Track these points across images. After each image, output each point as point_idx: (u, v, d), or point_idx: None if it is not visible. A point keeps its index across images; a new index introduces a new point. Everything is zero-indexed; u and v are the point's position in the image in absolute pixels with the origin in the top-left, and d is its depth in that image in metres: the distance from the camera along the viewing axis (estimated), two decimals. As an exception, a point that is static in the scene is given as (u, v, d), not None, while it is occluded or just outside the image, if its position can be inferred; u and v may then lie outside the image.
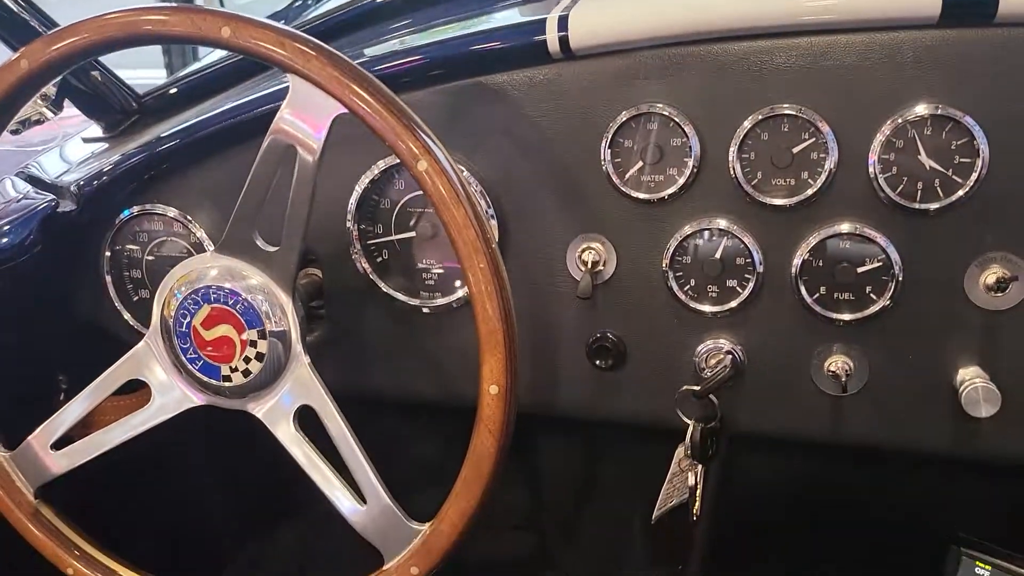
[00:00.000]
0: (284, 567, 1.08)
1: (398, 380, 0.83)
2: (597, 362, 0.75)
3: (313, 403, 0.69)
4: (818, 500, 1.01)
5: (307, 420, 0.70)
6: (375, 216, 0.79)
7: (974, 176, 0.63)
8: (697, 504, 0.74)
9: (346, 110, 0.60)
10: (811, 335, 0.70)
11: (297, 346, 0.69)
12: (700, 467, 0.74)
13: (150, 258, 0.87)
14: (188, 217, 0.84)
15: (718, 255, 0.70)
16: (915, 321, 0.68)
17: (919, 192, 0.65)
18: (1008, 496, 0.89)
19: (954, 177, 0.64)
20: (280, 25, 0.60)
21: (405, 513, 0.67)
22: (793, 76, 0.66)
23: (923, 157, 0.64)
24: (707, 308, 0.72)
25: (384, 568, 0.67)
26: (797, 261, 0.68)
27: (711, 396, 0.71)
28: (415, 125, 0.59)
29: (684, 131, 0.68)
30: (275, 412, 0.70)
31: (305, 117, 0.62)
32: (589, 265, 0.73)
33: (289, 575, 1.03)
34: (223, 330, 0.70)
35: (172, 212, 0.85)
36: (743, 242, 0.69)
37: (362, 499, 0.68)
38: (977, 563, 0.78)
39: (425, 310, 0.79)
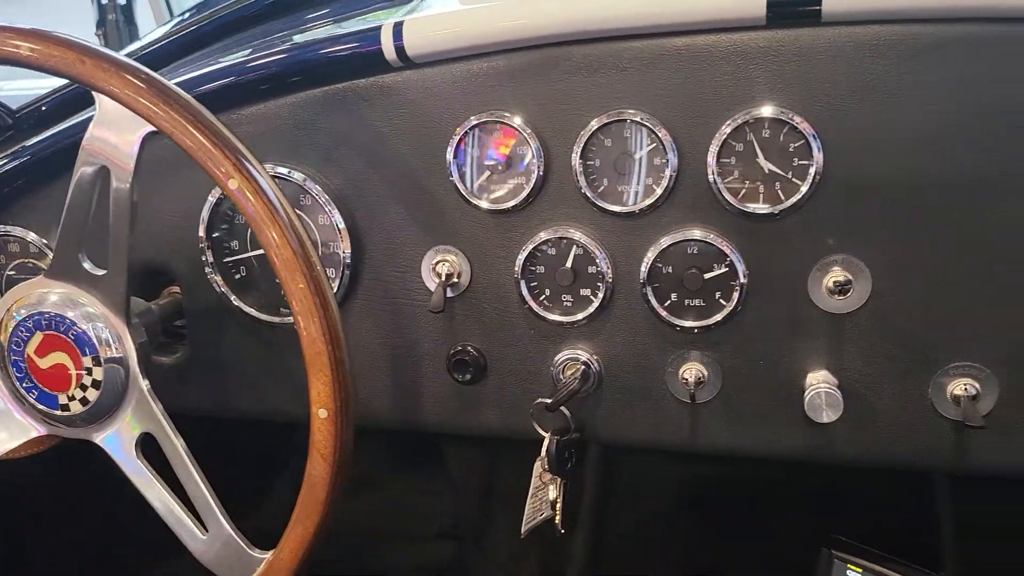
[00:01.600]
0: None
1: (262, 399, 0.80)
2: (456, 376, 0.73)
3: (153, 430, 0.67)
4: (705, 503, 1.00)
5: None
6: (231, 232, 0.77)
7: (810, 178, 0.62)
8: (558, 518, 0.73)
9: (154, 128, 0.57)
10: (665, 343, 0.69)
11: (136, 372, 0.67)
12: (560, 480, 0.72)
13: (10, 272, 0.84)
14: (44, 240, 0.82)
15: (569, 264, 0.69)
16: (763, 326, 0.67)
17: (761, 196, 0.64)
18: (880, 495, 0.89)
19: (794, 179, 0.63)
20: (82, 41, 0.58)
21: (248, 541, 0.65)
22: (631, 80, 0.64)
23: (761, 160, 0.63)
24: (562, 318, 0.70)
25: (228, 599, 0.65)
26: (644, 268, 0.67)
27: (564, 408, 0.69)
28: (225, 142, 0.57)
29: (527, 139, 0.67)
30: (117, 440, 0.68)
31: (114, 136, 0.59)
32: (443, 277, 0.71)
33: None
34: (57, 358, 0.67)
35: (31, 235, 0.82)
36: (591, 250, 0.68)
37: (204, 528, 0.66)
38: (849, 566, 0.78)
39: (285, 328, 0.77)
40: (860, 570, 0.77)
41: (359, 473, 1.12)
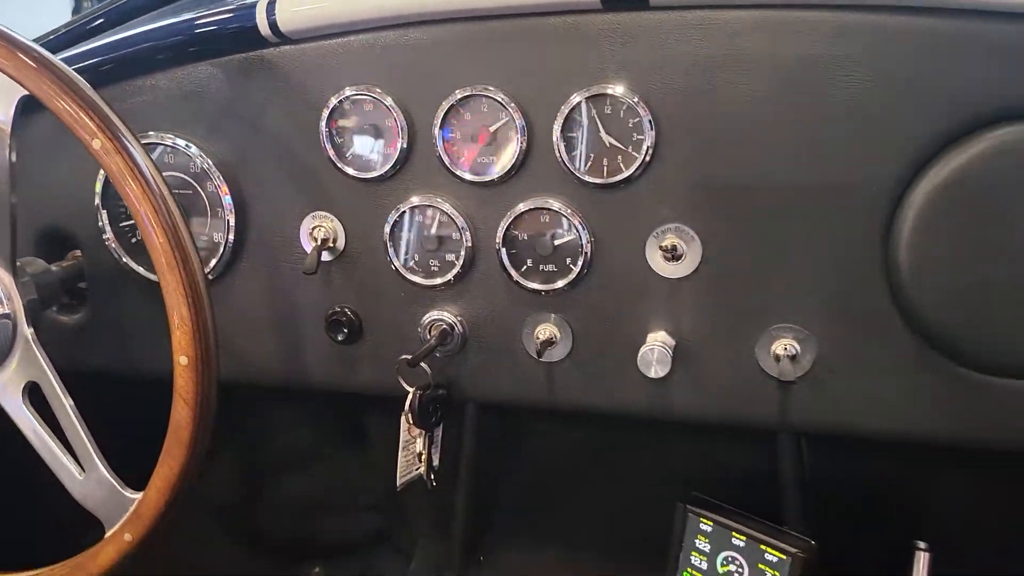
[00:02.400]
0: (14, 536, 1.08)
1: (157, 358, 0.85)
2: (333, 336, 0.78)
3: (38, 378, 0.71)
4: (575, 463, 1.05)
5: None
6: (125, 198, 0.81)
7: (644, 152, 0.67)
8: (423, 469, 0.78)
9: (27, 92, 0.62)
10: (521, 305, 0.74)
11: (23, 325, 0.71)
12: (425, 433, 0.77)
13: None
14: None
15: (434, 230, 0.74)
16: (607, 290, 0.72)
17: (605, 168, 0.69)
18: (735, 454, 0.94)
19: (632, 153, 0.68)
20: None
21: (122, 482, 0.70)
22: (485, 58, 0.69)
23: (603, 135, 0.68)
24: (427, 281, 0.75)
25: (104, 537, 0.70)
26: (500, 235, 0.72)
27: (425, 365, 0.74)
28: (91, 105, 0.61)
29: (392, 111, 0.71)
30: (5, 389, 0.72)
31: (-10, 100, 0.64)
32: (319, 242, 0.76)
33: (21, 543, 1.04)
34: (-53, 310, 0.72)
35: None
36: (454, 218, 0.73)
37: (83, 470, 0.70)
38: (701, 520, 0.83)
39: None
40: (711, 523, 0.82)
41: (310, 449, 1.18)
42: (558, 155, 0.69)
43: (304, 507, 1.23)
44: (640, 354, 0.69)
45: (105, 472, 0.70)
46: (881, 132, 0.63)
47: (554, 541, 1.08)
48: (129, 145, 0.62)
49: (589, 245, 0.70)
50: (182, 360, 0.64)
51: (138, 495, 0.69)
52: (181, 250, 0.62)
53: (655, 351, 0.68)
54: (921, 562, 0.92)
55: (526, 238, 0.72)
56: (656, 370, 0.68)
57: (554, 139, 0.68)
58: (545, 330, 0.74)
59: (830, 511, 0.91)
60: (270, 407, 1.17)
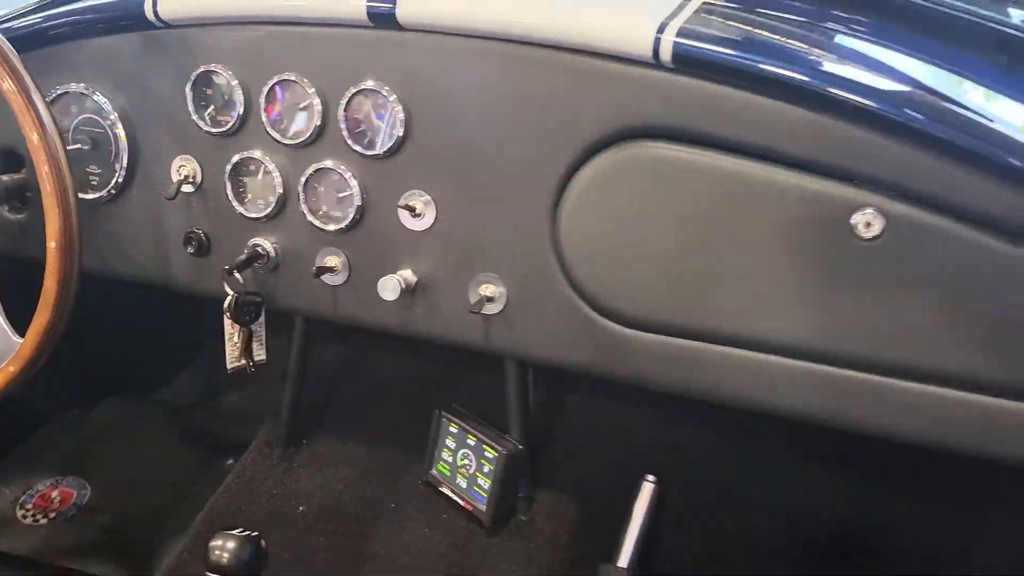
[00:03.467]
0: None
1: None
2: (187, 248, 1.05)
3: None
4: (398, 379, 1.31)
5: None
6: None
7: (395, 136, 0.92)
8: (243, 359, 1.04)
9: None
10: (316, 242, 0.99)
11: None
12: (240, 328, 1.03)
13: None
14: None
15: (259, 177, 1.00)
16: (373, 235, 0.97)
17: (378, 143, 0.94)
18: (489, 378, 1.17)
19: (395, 132, 0.92)
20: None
21: (14, 331, 0.97)
22: (298, 53, 0.94)
23: (373, 118, 0.93)
24: (251, 215, 1.01)
25: (-3, 369, 0.98)
26: (301, 185, 0.97)
27: (238, 275, 1.00)
28: (3, 55, 0.87)
29: (237, 88, 0.97)
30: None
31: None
32: (182, 176, 1.02)
33: None
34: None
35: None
36: (270, 169, 0.98)
37: (-13, 321, 0.99)
38: (451, 424, 1.07)
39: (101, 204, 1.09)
40: (456, 426, 1.07)
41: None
42: (343, 130, 0.94)
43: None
44: (379, 281, 0.94)
45: (3, 322, 0.98)
46: (548, 141, 0.86)
47: (370, 436, 1.33)
48: (29, 89, 0.88)
49: (361, 200, 0.95)
50: (51, 244, 0.91)
51: (21, 339, 0.97)
52: (51, 149, 0.87)
53: (388, 282, 0.93)
54: (646, 493, 1.15)
55: (320, 189, 0.97)
56: (388, 295, 0.93)
57: (340, 118, 0.93)
58: (333, 260, 0.99)
59: (553, 434, 1.15)
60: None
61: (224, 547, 0.81)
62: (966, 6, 0.96)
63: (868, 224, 0.77)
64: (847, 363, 0.82)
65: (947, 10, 0.96)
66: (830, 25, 0.89)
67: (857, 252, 0.78)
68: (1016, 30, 0.94)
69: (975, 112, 0.75)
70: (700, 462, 1.23)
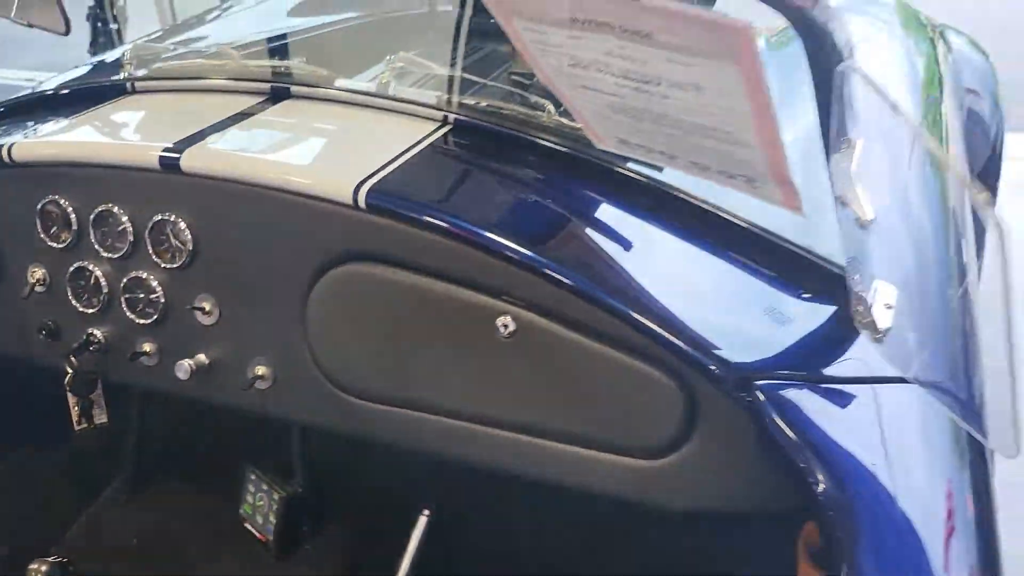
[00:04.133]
0: None
1: None
2: (40, 335, 1.32)
3: None
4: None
5: None
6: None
7: (189, 249, 1.20)
8: (79, 418, 1.31)
9: None
10: (133, 332, 1.27)
11: None
12: (80, 398, 1.31)
13: None
14: None
15: (91, 282, 1.27)
16: (176, 329, 1.24)
17: (175, 258, 1.22)
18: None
19: (186, 250, 1.20)
20: None
21: None
22: (116, 189, 1.22)
23: (171, 239, 1.21)
24: (86, 310, 1.29)
25: None
26: (120, 289, 1.25)
27: (73, 357, 1.28)
28: None
29: (70, 212, 1.25)
30: None
31: None
32: (33, 280, 1.30)
33: None
34: None
35: None
36: (98, 276, 1.26)
37: None
38: (251, 474, 1.35)
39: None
40: (255, 476, 1.35)
41: None
42: (148, 248, 1.22)
43: None
44: (175, 364, 1.22)
45: None
46: (292, 261, 1.14)
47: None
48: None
49: (164, 300, 1.23)
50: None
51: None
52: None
53: (182, 365, 1.21)
54: (420, 524, 1.43)
55: (139, 293, 1.25)
56: (182, 375, 1.20)
57: (145, 239, 1.21)
58: (145, 346, 1.27)
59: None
60: None
61: (39, 570, 1.08)
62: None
63: (506, 326, 1.06)
64: (502, 425, 1.10)
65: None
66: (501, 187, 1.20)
67: (501, 345, 1.06)
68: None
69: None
70: (475, 494, 1.50)
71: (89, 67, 1.75)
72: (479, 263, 1.05)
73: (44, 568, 1.07)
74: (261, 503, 1.36)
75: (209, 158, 1.16)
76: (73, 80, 1.58)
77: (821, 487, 0.86)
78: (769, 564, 1.07)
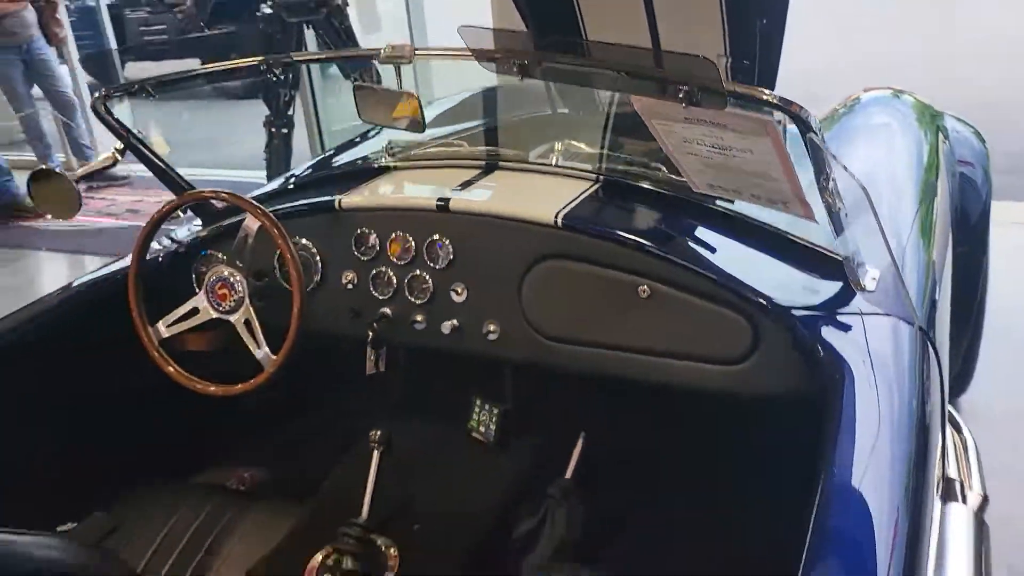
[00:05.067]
0: None
1: None
2: (372, 321, 2.15)
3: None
4: None
5: None
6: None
7: (450, 258, 2.02)
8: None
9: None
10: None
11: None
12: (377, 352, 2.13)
13: None
14: None
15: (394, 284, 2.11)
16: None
17: (440, 264, 2.04)
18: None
19: (448, 258, 2.03)
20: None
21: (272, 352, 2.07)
22: (409, 221, 2.06)
23: (437, 251, 2.04)
24: (381, 297, 2.12)
25: None
26: (405, 284, 2.08)
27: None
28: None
29: (374, 240, 2.09)
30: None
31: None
32: (345, 282, 2.14)
33: None
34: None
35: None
36: (396, 279, 2.09)
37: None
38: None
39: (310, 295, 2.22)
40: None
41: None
42: (425, 258, 2.05)
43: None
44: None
45: (268, 348, 2.08)
46: (512, 260, 1.95)
47: None
48: (282, 230, 2.02)
49: (433, 290, 2.05)
50: (295, 311, 2.02)
51: (275, 356, 2.06)
52: (299, 274, 2.02)
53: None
54: (580, 441, 2.18)
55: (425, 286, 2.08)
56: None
57: (423, 252, 2.05)
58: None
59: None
60: None
61: (375, 435, 1.88)
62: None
63: (644, 291, 1.83)
64: (641, 351, 1.86)
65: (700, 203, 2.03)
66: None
67: (641, 303, 1.84)
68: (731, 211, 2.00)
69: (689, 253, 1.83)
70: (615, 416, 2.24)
71: (317, 162, 2.67)
72: (627, 255, 1.84)
73: (379, 433, 1.84)
74: (484, 418, 2.12)
75: (466, 202, 2.00)
76: (333, 168, 2.47)
77: (830, 378, 1.57)
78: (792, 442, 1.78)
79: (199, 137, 9.37)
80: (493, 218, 1.96)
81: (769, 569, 1.70)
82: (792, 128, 1.52)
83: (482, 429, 2.16)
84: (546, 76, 1.98)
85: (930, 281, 1.97)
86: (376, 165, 2.35)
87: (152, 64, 11.61)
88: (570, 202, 1.94)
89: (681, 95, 1.44)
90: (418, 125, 1.93)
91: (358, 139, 3.17)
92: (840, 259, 1.74)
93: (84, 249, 5.61)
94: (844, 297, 1.73)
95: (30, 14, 6.41)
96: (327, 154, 2.99)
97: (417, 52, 1.81)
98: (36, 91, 6.73)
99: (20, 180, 6.52)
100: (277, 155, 5.23)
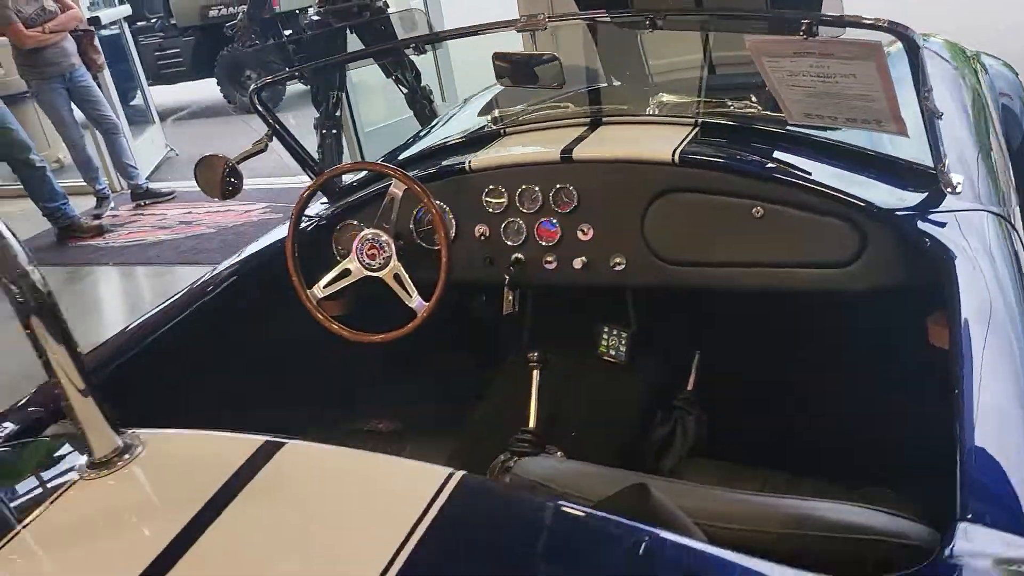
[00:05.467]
0: None
1: None
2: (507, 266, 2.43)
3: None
4: None
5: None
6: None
7: (575, 203, 2.29)
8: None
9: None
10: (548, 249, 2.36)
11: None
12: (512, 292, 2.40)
13: None
14: None
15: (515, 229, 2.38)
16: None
17: (570, 208, 2.31)
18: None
19: (573, 203, 2.30)
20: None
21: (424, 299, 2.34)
22: (536, 174, 2.34)
23: (563, 197, 2.31)
24: (513, 244, 2.39)
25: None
26: (535, 230, 2.35)
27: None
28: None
29: (503, 193, 2.37)
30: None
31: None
32: (477, 235, 2.42)
33: None
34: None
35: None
36: (522, 226, 2.37)
37: None
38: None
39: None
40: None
41: None
42: (551, 202, 2.32)
43: None
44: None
45: (419, 296, 2.36)
46: (635, 195, 2.22)
47: None
48: (426, 192, 2.29)
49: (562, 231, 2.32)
50: (443, 260, 2.30)
51: (427, 303, 2.33)
52: (447, 234, 2.29)
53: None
54: (695, 360, 2.46)
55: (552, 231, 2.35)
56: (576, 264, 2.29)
57: (549, 198, 2.32)
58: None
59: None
60: None
61: (533, 356, 2.16)
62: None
63: (758, 211, 2.11)
64: (761, 264, 2.13)
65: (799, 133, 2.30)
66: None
67: (756, 222, 2.11)
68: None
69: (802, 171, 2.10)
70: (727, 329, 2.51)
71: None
72: (740, 181, 2.11)
73: (536, 354, 2.13)
74: (613, 342, 2.39)
75: (588, 151, 2.27)
76: (447, 138, 2.74)
77: (938, 267, 1.82)
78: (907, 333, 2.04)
79: (224, 150, 9.64)
80: (614, 163, 2.24)
81: (877, 457, 1.97)
82: (890, 50, 1.79)
83: (612, 352, 2.42)
84: (673, 26, 2.22)
85: (1000, 185, 2.24)
86: (491, 130, 2.61)
87: (167, 87, 11.94)
88: (680, 143, 2.21)
89: (803, 28, 1.71)
90: (560, 79, 2.20)
91: (437, 124, 3.44)
92: (925, 169, 2.01)
93: (150, 260, 5.88)
94: (936, 199, 2.00)
95: (70, 44, 6.68)
96: (420, 137, 3.26)
97: (550, 19, 2.08)
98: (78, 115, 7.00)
99: (75, 204, 6.81)
100: (330, 153, 5.51)
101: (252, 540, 1.01)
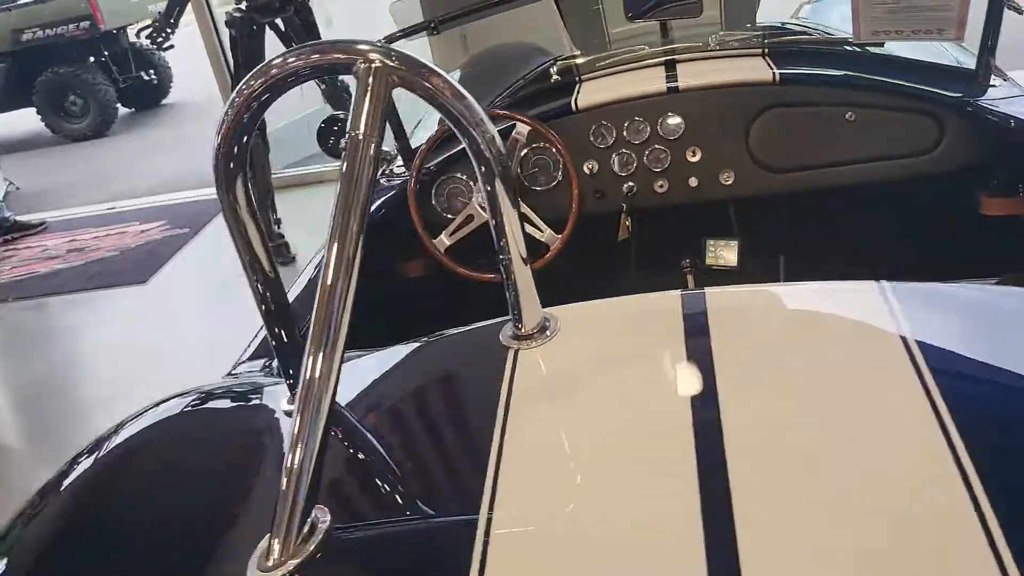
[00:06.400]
0: None
1: None
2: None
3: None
4: None
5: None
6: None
7: (680, 131, 2.55)
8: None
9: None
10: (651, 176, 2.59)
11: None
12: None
13: None
14: None
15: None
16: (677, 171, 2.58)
17: (673, 135, 2.56)
18: None
19: (677, 131, 2.55)
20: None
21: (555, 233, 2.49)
22: (641, 106, 2.56)
23: (669, 124, 2.55)
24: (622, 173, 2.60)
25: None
26: (645, 157, 2.58)
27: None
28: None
29: (609, 127, 2.57)
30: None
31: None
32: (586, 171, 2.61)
33: None
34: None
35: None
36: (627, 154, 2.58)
37: None
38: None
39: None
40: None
41: None
42: (659, 131, 2.56)
43: None
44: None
45: (550, 230, 2.50)
46: (738, 115, 2.51)
47: None
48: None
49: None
50: (575, 191, 2.46)
51: (559, 235, 2.48)
52: (577, 174, 2.45)
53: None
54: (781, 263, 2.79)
55: (645, 162, 2.58)
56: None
57: (657, 127, 2.56)
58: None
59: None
60: None
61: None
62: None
63: (850, 115, 2.47)
64: (849, 163, 2.49)
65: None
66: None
67: (848, 125, 2.47)
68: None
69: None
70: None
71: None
72: (833, 92, 2.46)
73: (688, 260, 2.35)
74: (721, 252, 2.67)
75: (689, 80, 2.53)
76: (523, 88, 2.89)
77: (1012, 140, 2.25)
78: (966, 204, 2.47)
79: (77, 179, 8.92)
80: (720, 87, 2.52)
81: None
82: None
83: (721, 262, 2.70)
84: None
85: None
86: (568, 79, 2.78)
87: None
88: (770, 67, 2.54)
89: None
90: (698, 11, 2.44)
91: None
92: (965, 71, 2.47)
93: (58, 290, 5.41)
94: (983, 91, 2.47)
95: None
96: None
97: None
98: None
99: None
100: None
101: (785, 382, 1.06)
